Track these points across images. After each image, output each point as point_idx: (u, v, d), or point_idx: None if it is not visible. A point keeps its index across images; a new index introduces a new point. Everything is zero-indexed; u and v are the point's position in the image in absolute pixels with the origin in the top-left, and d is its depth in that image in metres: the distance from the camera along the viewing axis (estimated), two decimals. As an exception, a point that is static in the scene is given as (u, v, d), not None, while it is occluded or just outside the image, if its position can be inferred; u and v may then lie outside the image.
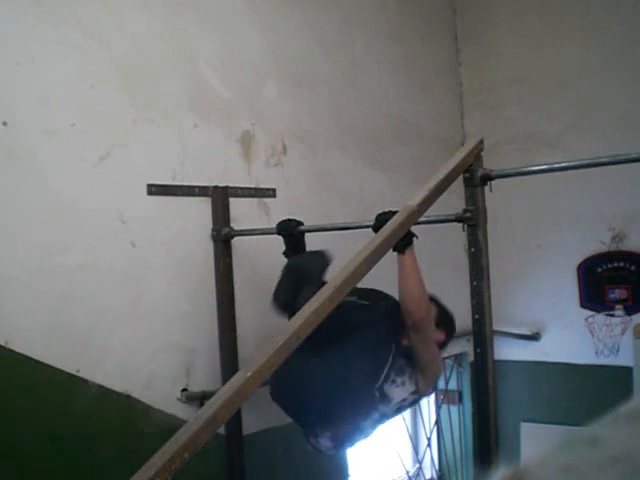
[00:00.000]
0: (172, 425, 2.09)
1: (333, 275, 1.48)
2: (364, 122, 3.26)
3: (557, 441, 0.33)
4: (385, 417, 2.07)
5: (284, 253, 2.28)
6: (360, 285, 1.60)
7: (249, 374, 1.28)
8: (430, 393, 2.23)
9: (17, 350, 1.91)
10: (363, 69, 3.30)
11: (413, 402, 2.11)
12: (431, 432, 3.95)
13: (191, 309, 2.40)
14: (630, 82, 3.49)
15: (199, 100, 2.50)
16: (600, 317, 3.63)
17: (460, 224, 1.83)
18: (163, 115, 2.36)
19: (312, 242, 2.39)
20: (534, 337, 3.84)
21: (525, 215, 3.83)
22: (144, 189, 2.29)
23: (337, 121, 3.11)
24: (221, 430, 2.33)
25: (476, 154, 1.83)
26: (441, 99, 3.92)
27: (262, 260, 2.40)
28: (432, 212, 1.76)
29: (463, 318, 2.09)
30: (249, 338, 2.51)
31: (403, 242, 1.80)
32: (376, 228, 1.83)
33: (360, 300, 2.14)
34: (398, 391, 2.02)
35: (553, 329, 3.79)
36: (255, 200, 2.67)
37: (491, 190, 1.84)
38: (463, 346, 3.65)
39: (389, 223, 1.65)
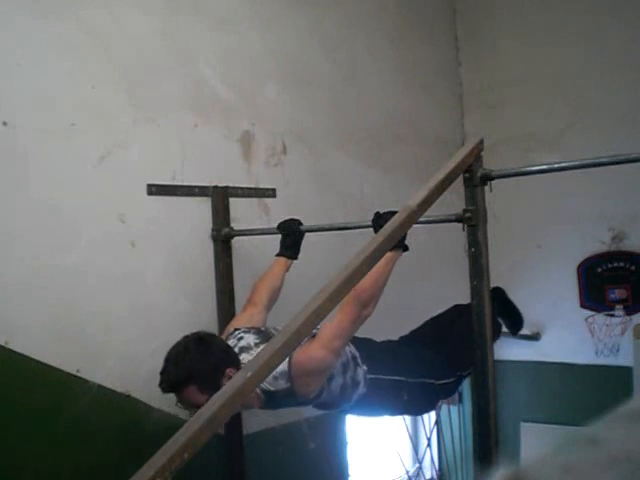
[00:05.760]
0: (172, 425, 2.08)
1: (333, 275, 1.47)
2: (364, 122, 3.26)
3: (557, 441, 0.33)
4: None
5: (278, 255, 2.30)
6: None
7: (249, 374, 1.28)
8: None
9: (17, 350, 1.91)
10: (363, 69, 3.30)
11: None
12: (431, 432, 3.95)
13: (191, 309, 2.40)
14: (630, 82, 3.49)
15: (199, 100, 2.50)
16: (600, 317, 3.63)
17: (460, 224, 1.83)
18: (163, 115, 2.36)
19: (312, 242, 2.39)
20: (534, 337, 3.83)
21: (525, 215, 3.83)
22: (144, 189, 2.29)
23: (337, 121, 3.11)
24: (221, 430, 2.33)
25: (476, 154, 1.82)
26: (441, 99, 3.91)
27: (262, 260, 2.39)
28: (432, 212, 1.75)
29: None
30: (249, 338, 2.51)
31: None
32: (375, 228, 1.82)
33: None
34: None
35: (553, 329, 3.79)
36: (255, 200, 2.67)
37: (491, 190, 1.84)
38: (463, 346, 3.65)
39: (389, 223, 1.65)
